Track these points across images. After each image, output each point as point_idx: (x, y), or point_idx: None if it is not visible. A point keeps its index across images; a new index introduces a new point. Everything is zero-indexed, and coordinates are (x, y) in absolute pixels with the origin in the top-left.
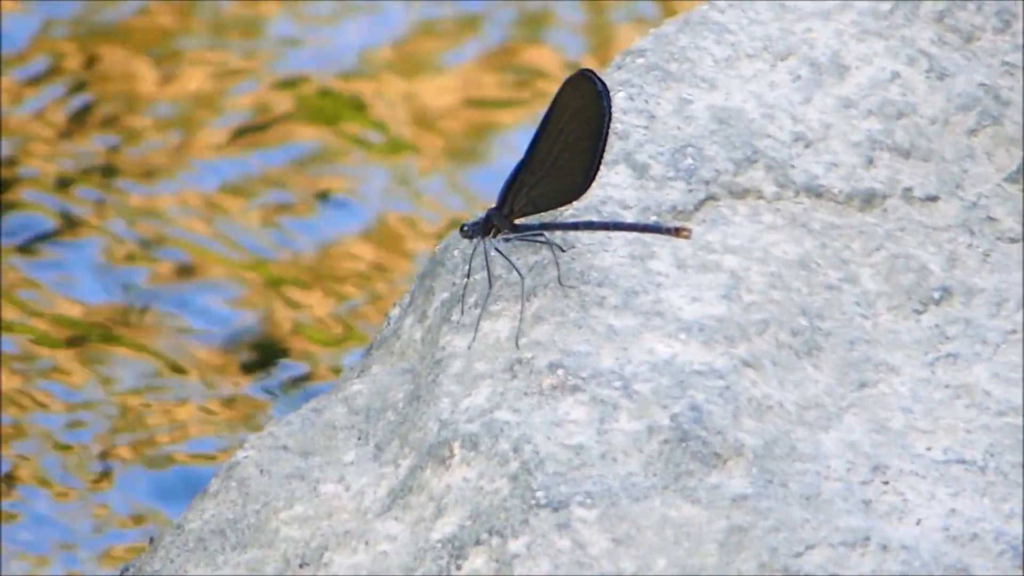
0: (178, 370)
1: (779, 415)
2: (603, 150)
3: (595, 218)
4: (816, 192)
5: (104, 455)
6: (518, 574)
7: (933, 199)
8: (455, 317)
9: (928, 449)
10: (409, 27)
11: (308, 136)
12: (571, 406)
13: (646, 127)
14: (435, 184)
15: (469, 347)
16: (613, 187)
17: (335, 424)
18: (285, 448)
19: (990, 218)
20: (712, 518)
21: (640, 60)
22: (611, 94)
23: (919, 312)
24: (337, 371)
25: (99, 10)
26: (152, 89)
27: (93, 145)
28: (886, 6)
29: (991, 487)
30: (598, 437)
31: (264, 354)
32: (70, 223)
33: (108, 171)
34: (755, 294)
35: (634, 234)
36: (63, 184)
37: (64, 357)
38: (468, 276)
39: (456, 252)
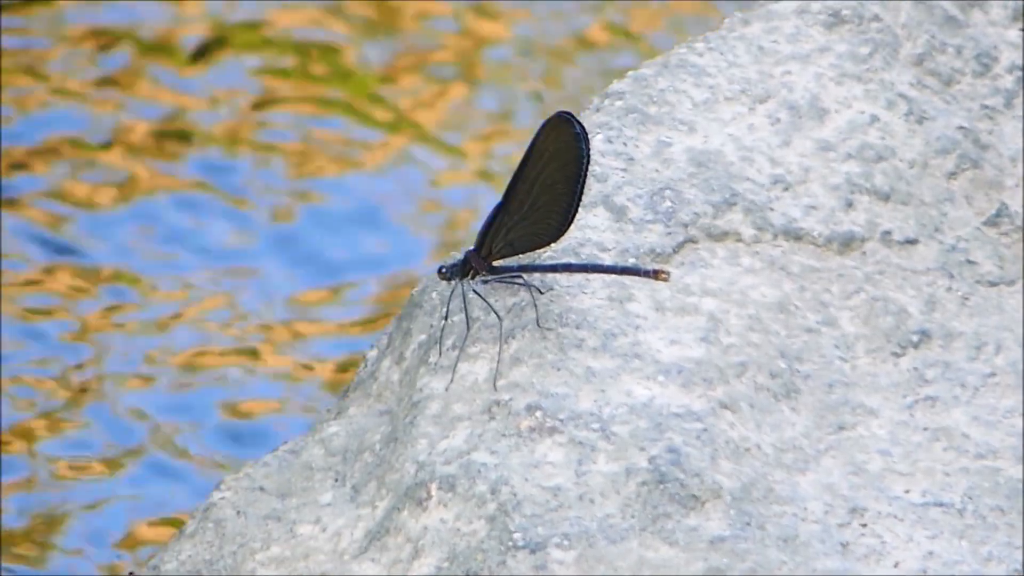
0: None
1: (757, 457)
2: (581, 193)
3: (574, 260)
4: (795, 235)
5: None
6: None
7: (912, 242)
8: (433, 359)
9: (906, 492)
10: None
11: None
12: (549, 448)
13: (625, 169)
14: None
15: (447, 389)
16: (592, 229)
17: (312, 465)
18: (262, 489)
19: (969, 261)
20: (690, 560)
21: (619, 102)
22: (589, 136)
23: (898, 355)
24: None
25: None
26: None
27: None
28: (865, 50)
29: (969, 530)
30: (576, 479)
31: None
32: None
33: None
34: (733, 337)
35: (613, 276)
36: None
37: None
38: (446, 318)
39: (434, 294)
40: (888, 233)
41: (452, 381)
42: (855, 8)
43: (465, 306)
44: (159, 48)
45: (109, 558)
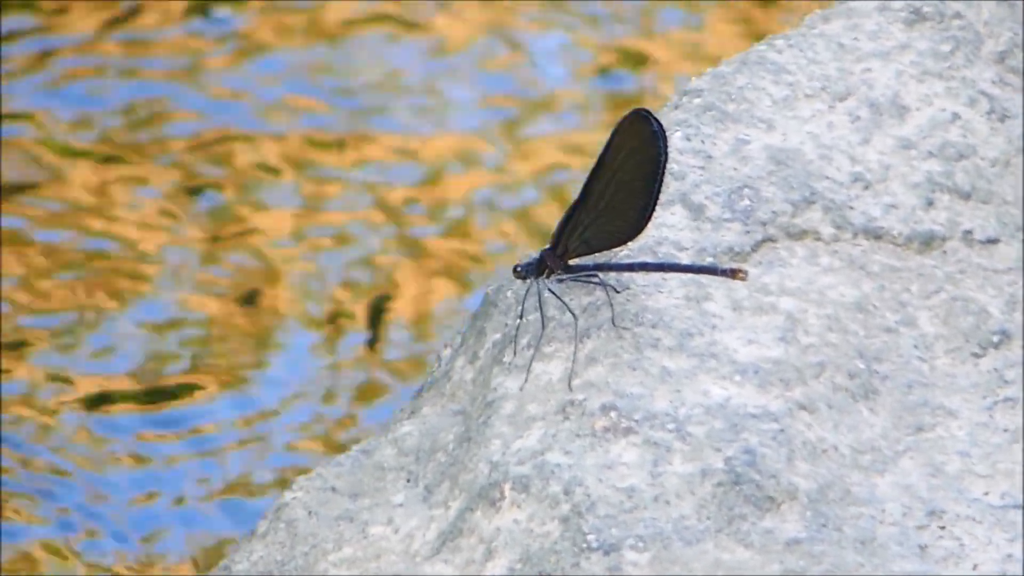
0: None
1: (834, 459)
2: (659, 191)
3: (650, 259)
4: (875, 234)
5: None
6: None
7: (993, 241)
8: (507, 358)
9: (985, 494)
10: None
11: None
12: (623, 448)
13: (702, 167)
14: None
15: (521, 388)
16: (669, 228)
17: (384, 465)
18: (333, 490)
19: None
20: (765, 562)
21: (697, 100)
22: (667, 134)
23: (978, 356)
24: None
25: None
26: None
27: None
28: (947, 47)
29: None
30: (651, 480)
31: None
32: None
33: None
34: (811, 336)
35: (689, 276)
36: None
37: None
38: (521, 317)
39: (509, 293)
40: (969, 232)
41: (526, 381)
42: (937, 5)
43: (540, 305)
44: None
45: None
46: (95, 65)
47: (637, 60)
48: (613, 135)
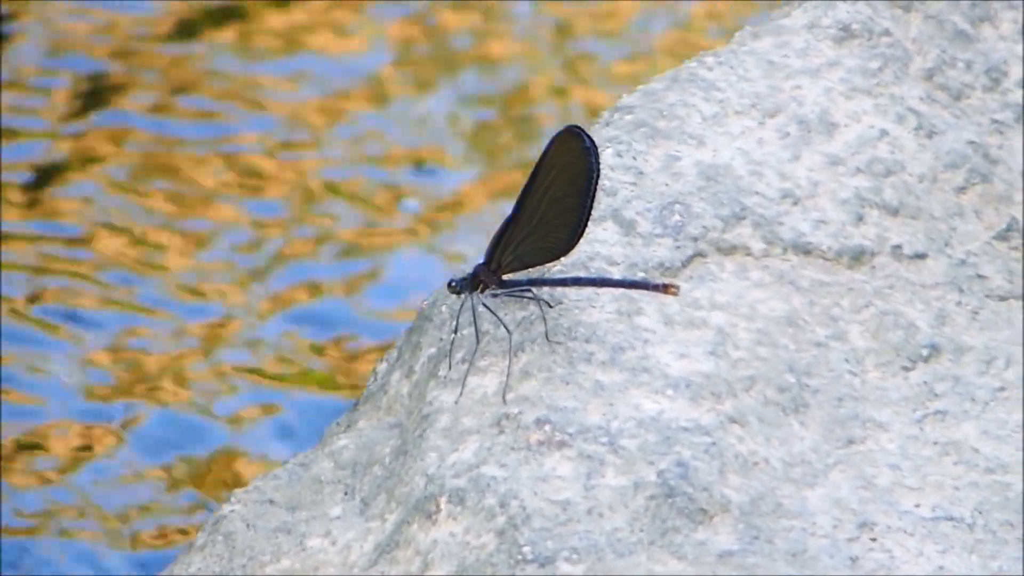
0: None
1: (765, 471)
2: (591, 207)
3: (583, 274)
4: (804, 249)
5: None
6: None
7: (922, 256)
8: (442, 372)
9: (916, 506)
10: None
11: None
12: (558, 461)
13: (634, 183)
14: None
15: (456, 402)
16: (601, 243)
17: (321, 479)
18: (271, 502)
19: (979, 276)
20: (698, 574)
21: (628, 116)
22: (599, 150)
23: (907, 369)
24: None
25: None
26: None
27: None
28: (875, 64)
29: (979, 545)
30: (585, 493)
31: None
32: None
33: None
34: (742, 351)
35: (621, 290)
36: None
37: None
38: (455, 331)
39: (443, 307)
40: (898, 247)
41: (461, 394)
42: (865, 23)
43: (475, 319)
44: None
45: None
46: None
47: None
48: (546, 151)
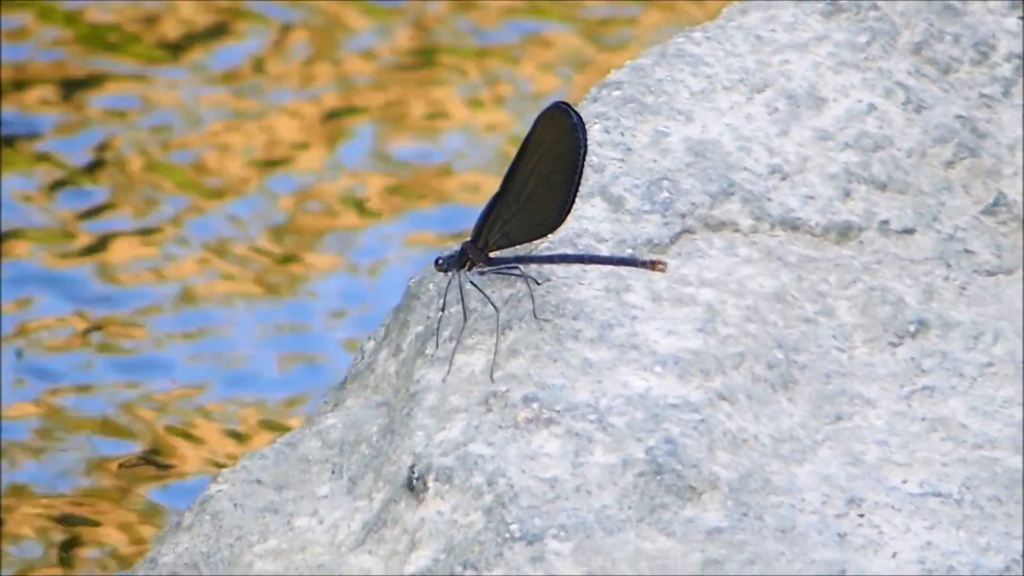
0: None
1: (754, 448)
2: (578, 183)
3: (570, 251)
4: (792, 225)
5: None
6: None
7: (910, 232)
8: (429, 351)
9: (904, 482)
10: None
11: None
12: (545, 439)
13: (622, 160)
14: None
15: (443, 380)
16: (588, 220)
17: (309, 458)
18: (259, 482)
19: (967, 251)
20: (687, 551)
21: (616, 92)
22: (586, 127)
23: (895, 345)
24: None
25: None
26: None
27: None
28: (863, 38)
29: (967, 520)
30: (573, 470)
31: None
32: None
33: None
34: (731, 327)
35: (609, 267)
36: None
37: None
38: (443, 309)
39: (431, 286)
40: (886, 222)
41: (449, 373)
42: None
43: (462, 297)
44: None
45: None
46: None
47: None
48: (533, 128)
